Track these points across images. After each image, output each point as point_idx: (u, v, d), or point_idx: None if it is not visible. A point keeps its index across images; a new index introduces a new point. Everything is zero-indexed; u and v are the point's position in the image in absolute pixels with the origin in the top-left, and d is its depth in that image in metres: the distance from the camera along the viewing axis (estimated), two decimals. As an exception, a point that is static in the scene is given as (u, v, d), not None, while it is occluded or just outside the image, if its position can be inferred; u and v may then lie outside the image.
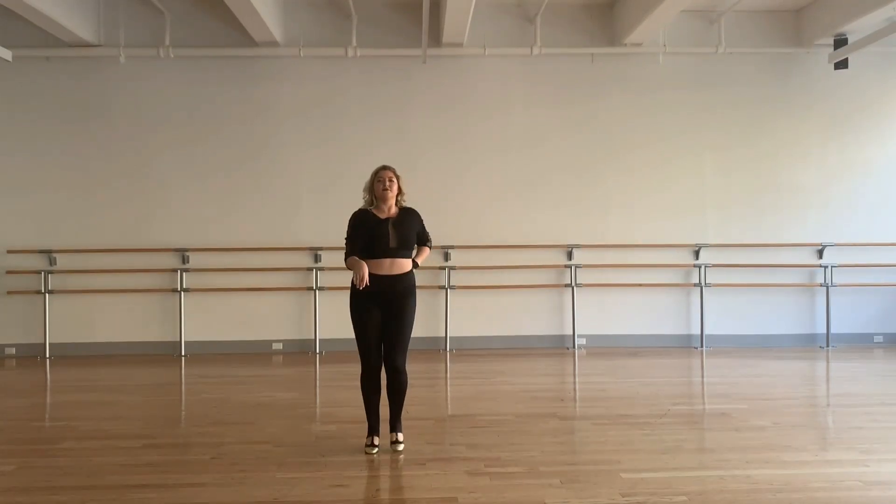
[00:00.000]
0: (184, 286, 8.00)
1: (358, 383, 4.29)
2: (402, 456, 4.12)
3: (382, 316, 4.15)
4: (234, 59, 8.11)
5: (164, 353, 7.97)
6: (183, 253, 8.06)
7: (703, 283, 8.20)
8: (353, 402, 5.62)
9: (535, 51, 8.05)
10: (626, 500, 3.40)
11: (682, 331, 8.33)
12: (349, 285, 4.20)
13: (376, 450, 4.20)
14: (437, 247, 8.07)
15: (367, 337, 4.15)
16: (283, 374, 7.12)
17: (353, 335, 4.21)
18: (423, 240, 4.44)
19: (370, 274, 4.10)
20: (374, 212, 4.25)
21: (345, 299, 4.26)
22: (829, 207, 8.40)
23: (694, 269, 8.29)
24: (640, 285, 8.25)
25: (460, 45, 8.01)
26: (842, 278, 8.27)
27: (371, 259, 4.14)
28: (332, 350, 7.98)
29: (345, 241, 4.25)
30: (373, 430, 4.27)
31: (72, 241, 8.00)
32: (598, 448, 4.31)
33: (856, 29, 7.79)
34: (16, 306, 7.97)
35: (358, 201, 4.36)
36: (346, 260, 4.19)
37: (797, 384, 6.58)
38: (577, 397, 5.95)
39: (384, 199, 4.24)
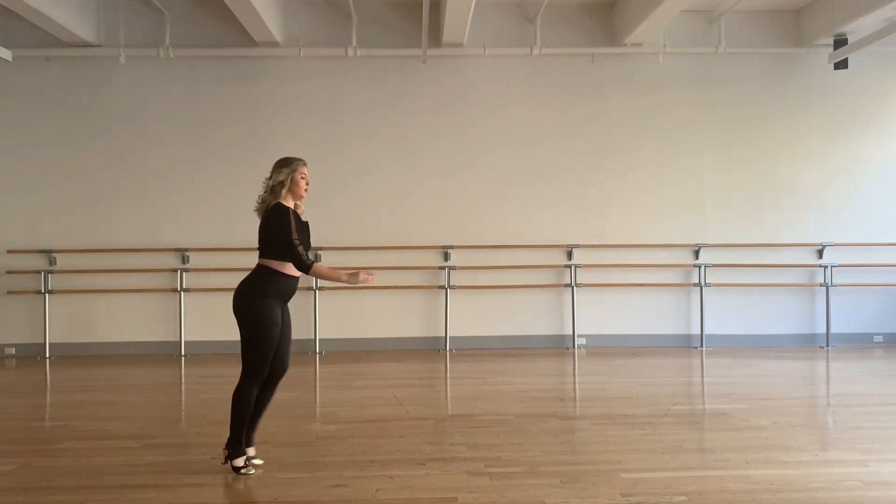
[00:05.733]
0: (184, 286, 8.00)
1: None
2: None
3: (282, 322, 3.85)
4: (234, 59, 8.11)
5: (164, 353, 7.97)
6: (183, 253, 8.06)
7: (703, 283, 8.20)
8: (353, 402, 5.66)
9: (536, 51, 8.05)
10: (626, 500, 3.40)
11: (682, 331, 8.33)
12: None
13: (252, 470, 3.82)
14: (437, 246, 8.12)
15: (275, 343, 3.80)
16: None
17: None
18: None
19: (290, 277, 3.80)
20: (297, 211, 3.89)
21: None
22: (829, 207, 8.40)
23: (694, 269, 8.29)
24: (640, 285, 8.25)
25: (460, 45, 8.01)
26: (842, 278, 8.27)
27: None
28: (333, 350, 7.97)
29: (295, 242, 3.70)
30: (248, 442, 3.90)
31: (72, 241, 8.00)
32: (598, 448, 4.31)
33: (856, 29, 7.80)
34: (16, 306, 7.97)
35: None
36: (306, 262, 3.72)
37: (797, 384, 6.57)
38: (577, 397, 5.95)
39: (301, 199, 3.91)
